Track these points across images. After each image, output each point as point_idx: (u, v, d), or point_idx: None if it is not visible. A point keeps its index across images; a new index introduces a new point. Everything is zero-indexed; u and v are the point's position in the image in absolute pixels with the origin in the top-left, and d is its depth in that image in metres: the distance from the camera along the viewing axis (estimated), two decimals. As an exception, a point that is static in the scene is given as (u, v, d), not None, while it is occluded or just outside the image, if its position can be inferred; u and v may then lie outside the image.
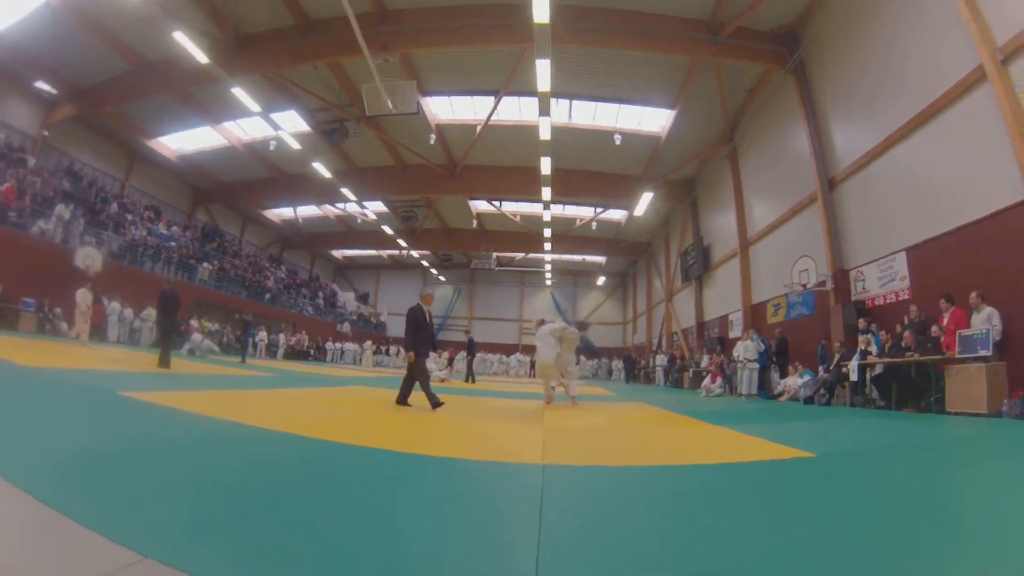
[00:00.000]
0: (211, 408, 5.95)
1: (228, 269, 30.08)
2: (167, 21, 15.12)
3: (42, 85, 21.77)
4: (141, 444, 3.91)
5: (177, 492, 2.68)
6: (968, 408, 8.28)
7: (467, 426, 6.72)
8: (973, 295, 8.92)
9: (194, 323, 22.67)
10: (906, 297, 11.74)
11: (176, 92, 22.33)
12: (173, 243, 25.87)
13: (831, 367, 12.86)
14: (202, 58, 16.29)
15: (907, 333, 10.29)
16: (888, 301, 12.47)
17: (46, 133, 23.23)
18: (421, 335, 8.12)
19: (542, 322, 10.58)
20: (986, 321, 8.57)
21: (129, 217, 24.10)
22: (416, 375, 8.03)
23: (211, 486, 2.84)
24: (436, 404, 7.64)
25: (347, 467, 3.69)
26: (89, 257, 17.61)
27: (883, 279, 12.63)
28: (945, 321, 9.46)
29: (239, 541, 2.05)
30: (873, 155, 13.03)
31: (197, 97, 23.46)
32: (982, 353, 8.26)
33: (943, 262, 10.65)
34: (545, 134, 19.06)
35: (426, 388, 7.87)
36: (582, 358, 41.81)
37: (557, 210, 32.84)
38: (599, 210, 33.81)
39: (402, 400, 8.04)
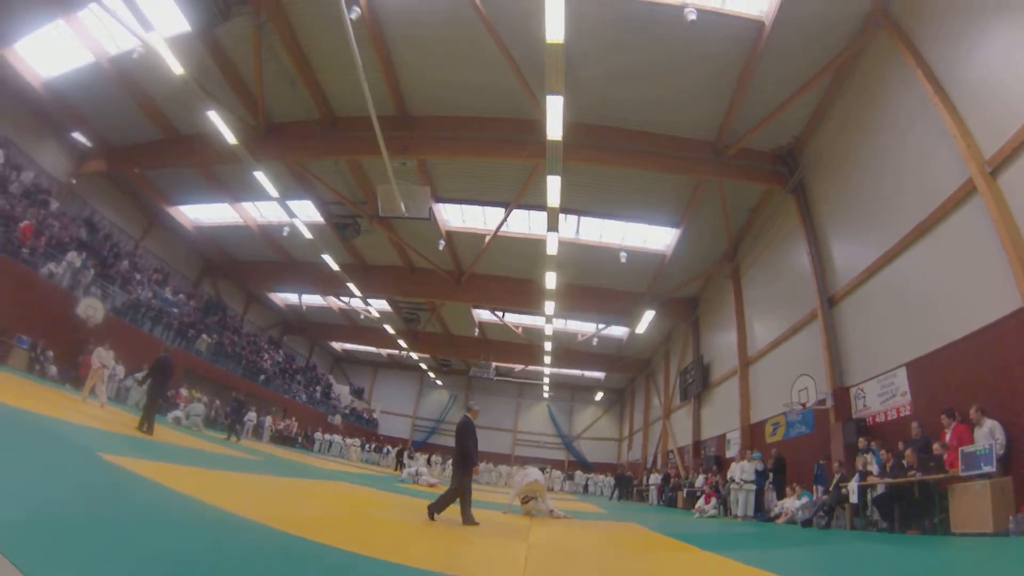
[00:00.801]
0: (191, 486, 5.77)
1: (226, 344, 29.87)
2: (204, 99, 15.95)
3: (78, 136, 22.67)
4: (110, 512, 3.77)
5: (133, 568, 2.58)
6: (974, 528, 7.86)
7: (447, 535, 6.45)
8: (973, 409, 8.71)
9: (184, 392, 22.25)
10: (908, 413, 11.48)
11: (201, 166, 23.18)
12: (176, 310, 25.88)
13: (830, 488, 12.41)
14: (231, 139, 17.06)
15: (909, 451, 9.97)
16: (889, 418, 12.19)
17: (74, 181, 23.92)
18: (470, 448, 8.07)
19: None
20: (988, 436, 8.32)
21: (138, 276, 24.30)
22: (463, 491, 7.80)
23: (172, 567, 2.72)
24: (471, 522, 7.48)
25: (308, 567, 3.54)
26: (92, 308, 17.57)
27: (884, 395, 12.43)
28: (947, 437, 9.18)
29: None
30: (871, 271, 13.20)
31: (220, 174, 24.30)
32: (986, 470, 7.95)
33: (944, 376, 10.49)
34: (552, 249, 19.38)
35: (467, 506, 7.68)
36: (577, 472, 40.76)
37: (559, 324, 33.05)
38: (601, 327, 34.00)
39: (436, 513, 7.60)
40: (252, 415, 25.47)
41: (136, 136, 22.50)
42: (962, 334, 10.04)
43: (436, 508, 7.60)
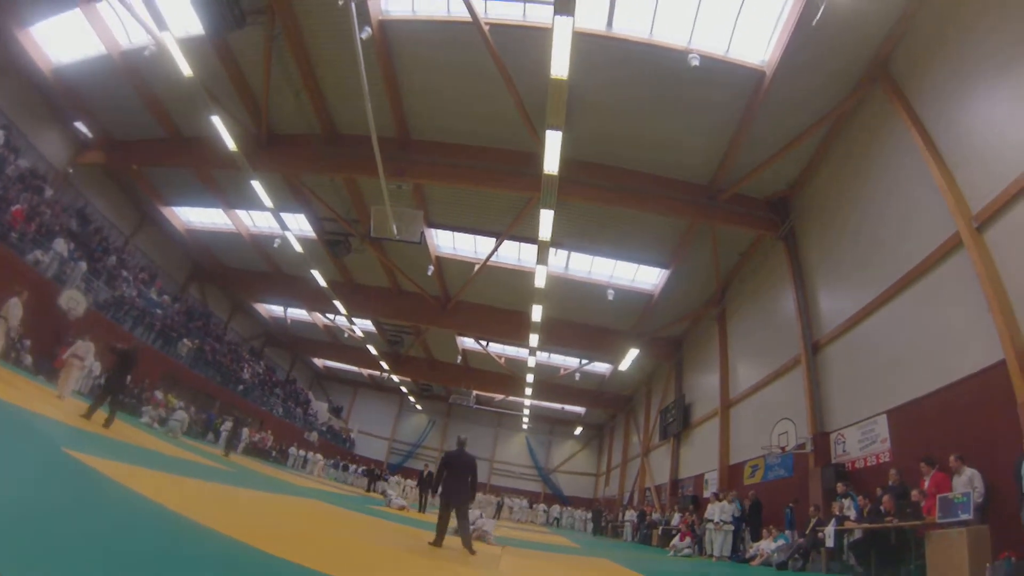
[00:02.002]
0: (157, 491, 5.67)
1: (207, 351, 29.50)
2: (209, 103, 16.02)
3: (80, 126, 22.59)
4: (69, 510, 3.72)
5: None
6: (950, 575, 7.97)
7: (416, 561, 6.43)
8: (952, 458, 8.83)
9: (159, 395, 21.86)
10: (887, 460, 11.59)
11: (199, 169, 23.19)
12: (160, 311, 25.56)
13: (807, 531, 12.46)
14: (232, 145, 17.12)
15: (886, 497, 10.07)
16: (869, 464, 12.28)
17: (70, 171, 23.71)
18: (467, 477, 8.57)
19: None
20: (968, 484, 8.43)
21: (124, 273, 23.99)
22: (462, 519, 8.30)
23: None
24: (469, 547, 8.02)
25: None
26: (74, 300, 17.21)
27: (864, 441, 12.55)
28: (926, 485, 9.30)
29: None
30: (857, 319, 13.43)
31: (217, 179, 24.26)
32: (963, 517, 8.04)
33: (924, 424, 10.63)
34: (540, 282, 19.44)
35: (466, 533, 8.24)
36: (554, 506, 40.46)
37: (543, 357, 33.13)
38: (584, 362, 34.00)
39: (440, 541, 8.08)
40: (228, 424, 25.10)
41: (138, 132, 22.50)
42: (943, 383, 10.23)
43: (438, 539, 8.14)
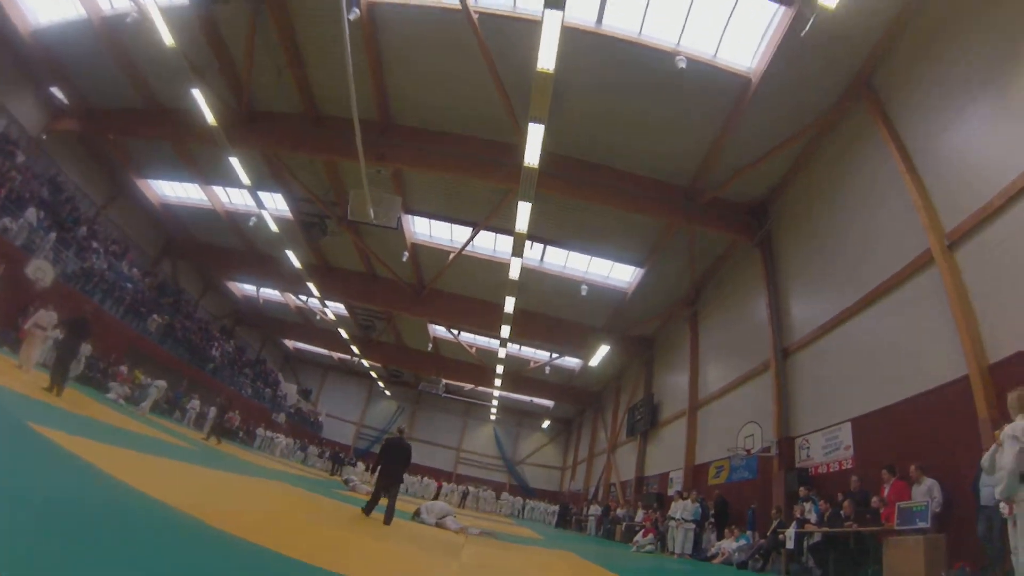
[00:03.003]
0: (122, 469, 5.53)
1: (177, 327, 29.00)
2: (190, 76, 15.62)
3: (56, 92, 21.97)
4: (37, 492, 3.63)
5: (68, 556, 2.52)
6: (905, 580, 8.19)
7: (381, 546, 6.45)
8: (913, 467, 9.07)
9: (123, 370, 21.43)
10: (849, 466, 11.84)
11: (176, 142, 22.73)
12: (130, 285, 25.04)
13: (768, 533, 12.69)
14: (211, 120, 16.73)
15: (847, 502, 10.31)
16: (831, 470, 12.54)
17: (44, 137, 23.10)
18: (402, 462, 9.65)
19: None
20: (926, 493, 8.66)
21: (95, 245, 23.44)
22: (392, 497, 9.41)
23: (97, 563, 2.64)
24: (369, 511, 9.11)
25: (243, 567, 3.51)
26: (41, 270, 16.76)
27: (828, 448, 12.80)
28: (886, 492, 9.54)
29: None
30: (826, 328, 13.67)
31: (194, 153, 23.83)
32: (921, 525, 8.27)
33: (887, 433, 10.88)
34: (515, 274, 19.46)
35: (375, 502, 9.34)
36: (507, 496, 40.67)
37: (513, 349, 33.26)
38: (554, 356, 34.18)
39: (370, 511, 9.15)
40: (195, 403, 24.70)
41: (115, 101, 21.97)
42: (907, 395, 10.49)
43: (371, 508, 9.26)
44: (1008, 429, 5.43)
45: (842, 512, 10.33)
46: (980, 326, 8.95)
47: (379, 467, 9.59)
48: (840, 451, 12.37)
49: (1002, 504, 5.56)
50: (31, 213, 18.57)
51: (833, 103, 14.15)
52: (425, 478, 38.58)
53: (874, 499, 9.78)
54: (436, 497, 33.01)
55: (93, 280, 21.78)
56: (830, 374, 13.41)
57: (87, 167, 26.48)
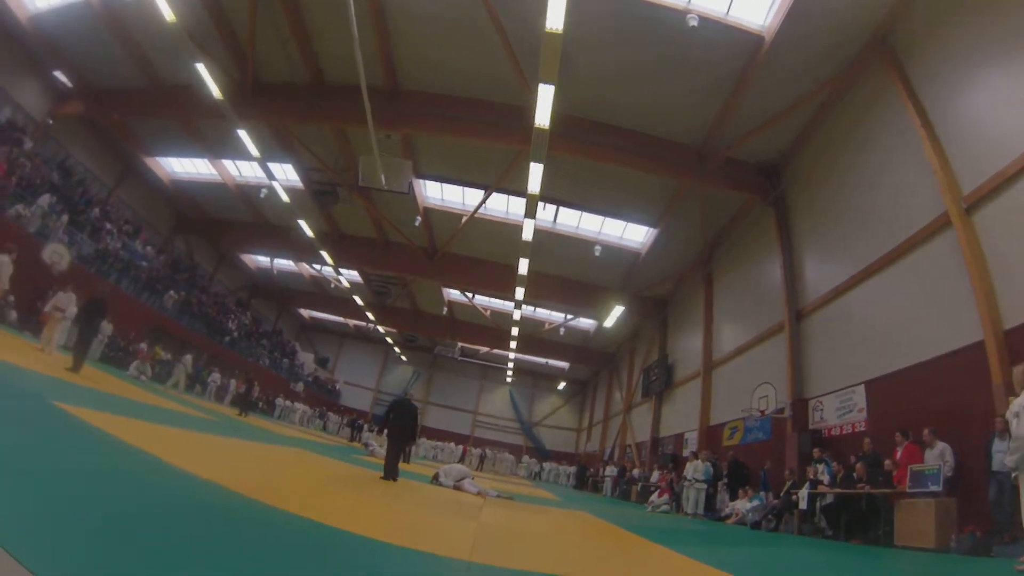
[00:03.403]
0: (149, 442, 5.69)
1: (193, 303, 29.40)
2: (193, 51, 15.43)
3: (59, 75, 21.94)
4: (67, 467, 3.72)
5: (94, 523, 2.59)
6: (916, 542, 8.21)
7: (401, 509, 6.56)
8: (926, 431, 9.08)
9: (143, 347, 21.80)
10: (862, 429, 11.88)
11: (183, 119, 22.70)
12: (145, 263, 25.35)
13: (781, 493, 12.79)
14: (217, 94, 16.61)
15: (859, 465, 10.36)
16: (844, 432, 12.60)
17: (50, 122, 23.18)
18: (407, 422, 10.37)
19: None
20: (939, 457, 8.68)
21: (108, 226, 23.66)
22: (395, 454, 10.15)
23: (127, 529, 2.71)
24: (391, 477, 9.66)
25: (267, 531, 3.58)
26: (57, 254, 16.96)
27: (841, 410, 12.83)
28: (899, 455, 9.57)
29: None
30: (841, 290, 13.57)
31: (201, 129, 23.80)
32: (932, 488, 8.31)
33: (900, 397, 10.89)
34: (528, 236, 19.27)
35: (394, 464, 9.92)
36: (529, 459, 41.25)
37: (528, 311, 33.26)
38: (569, 317, 34.23)
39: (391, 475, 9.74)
40: (216, 376, 25.09)
41: (119, 81, 21.84)
42: (922, 359, 10.46)
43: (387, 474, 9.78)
44: (1014, 406, 5.41)
45: (855, 474, 10.38)
46: (996, 291, 8.85)
47: (388, 426, 10.41)
48: (853, 413, 12.39)
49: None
50: (45, 199, 18.71)
51: (849, 62, 13.75)
52: (451, 444, 39.22)
53: (887, 462, 9.80)
54: (461, 461, 33.76)
55: (109, 260, 22.03)
56: (844, 336, 13.36)
57: (95, 149, 26.57)
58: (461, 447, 38.72)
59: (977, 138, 9.88)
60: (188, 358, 19.96)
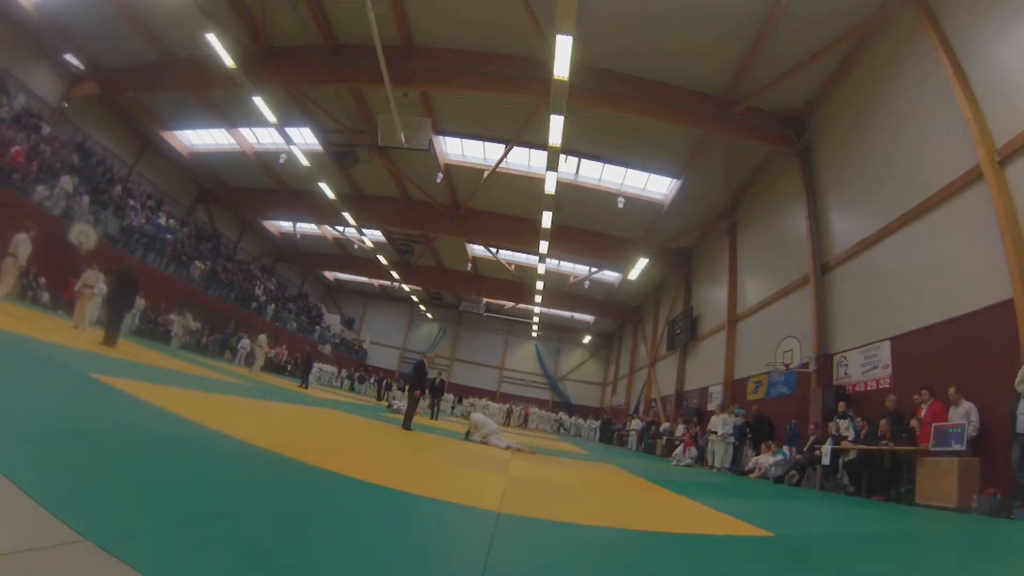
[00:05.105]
0: (186, 408, 5.88)
1: (219, 271, 29.93)
2: (202, 21, 15.32)
3: (70, 58, 22.01)
4: (107, 432, 3.87)
5: (134, 485, 2.68)
6: (937, 501, 8.21)
7: (432, 464, 6.70)
8: (952, 390, 8.96)
9: (174, 317, 22.31)
10: (887, 386, 11.77)
11: (197, 91, 22.69)
12: (169, 236, 25.77)
13: (804, 448, 12.80)
14: (229, 63, 16.53)
15: (883, 421, 10.28)
16: (869, 388, 12.49)
17: (65, 105, 23.40)
18: (422, 381, 12.38)
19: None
20: (964, 416, 8.58)
21: (131, 202, 24.07)
22: (412, 407, 11.90)
23: (166, 485, 2.82)
24: (407, 426, 11.39)
25: (302, 487, 3.67)
26: (84, 234, 17.33)
27: (866, 366, 12.69)
28: (923, 413, 9.48)
29: (180, 540, 2.03)
30: (867, 244, 13.26)
31: (216, 99, 23.83)
32: (956, 448, 8.25)
33: (926, 354, 10.72)
34: (550, 188, 19.20)
35: (410, 416, 11.68)
36: (562, 414, 41.73)
37: (552, 265, 33.13)
38: (593, 270, 34.19)
39: (408, 425, 11.46)
40: (245, 342, 25.62)
41: (130, 59, 21.88)
42: (948, 316, 10.24)
43: (406, 423, 11.53)
44: None
45: (879, 431, 10.32)
46: (1028, 249, 8.55)
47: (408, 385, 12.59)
48: (878, 370, 12.25)
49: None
50: (66, 180, 18.94)
51: (877, 6, 13.08)
52: (490, 403, 39.98)
53: (912, 420, 9.71)
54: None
55: (134, 236, 22.39)
56: (870, 291, 13.10)
57: (113, 128, 26.85)
58: (507, 406, 39.65)
59: (1012, 88, 9.38)
60: (188, 315, 20.31)
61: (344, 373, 38.31)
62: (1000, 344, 8.71)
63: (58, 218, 17.88)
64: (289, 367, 32.15)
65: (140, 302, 18.84)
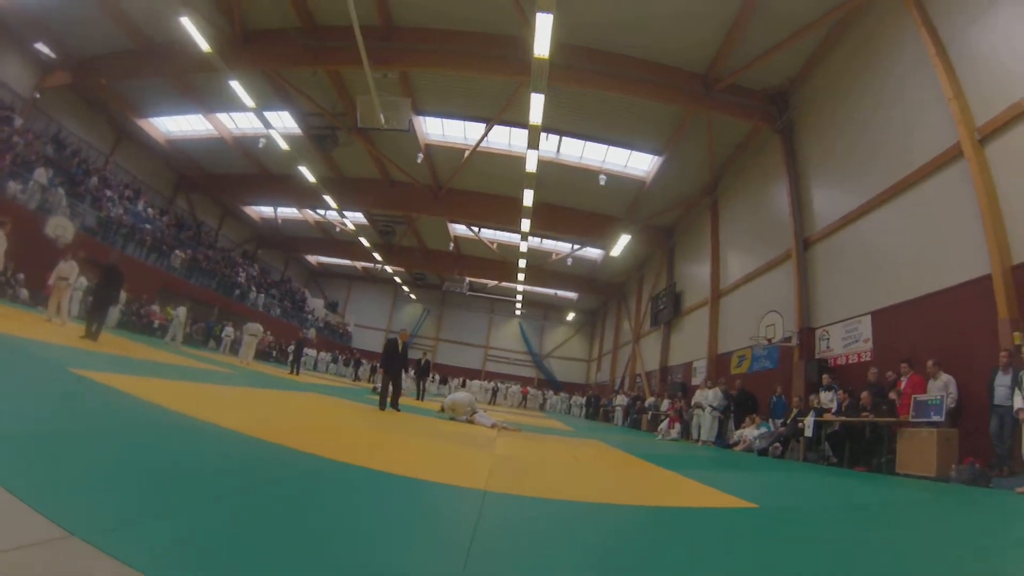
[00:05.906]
0: (170, 399, 5.80)
1: (201, 260, 29.63)
2: (176, 5, 15.04)
3: (42, 47, 21.44)
4: (90, 425, 3.86)
5: (118, 478, 2.69)
6: (917, 471, 8.48)
7: (417, 444, 6.75)
8: (930, 363, 9.22)
9: (156, 308, 22.11)
10: (868, 359, 12.06)
11: (173, 76, 22.25)
12: (149, 225, 25.42)
13: (787, 421, 13.07)
14: (205, 47, 16.22)
15: (864, 393, 10.55)
16: (850, 361, 12.79)
17: (38, 96, 22.87)
18: (393, 359, 11.79)
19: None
20: (942, 388, 8.85)
21: (108, 193, 23.64)
22: (385, 386, 11.62)
23: (153, 476, 2.83)
24: (382, 406, 11.21)
25: (287, 472, 3.69)
26: (60, 227, 16.97)
27: (847, 340, 12.97)
28: (903, 385, 9.74)
29: (170, 532, 2.05)
30: (848, 220, 13.48)
31: (193, 84, 23.40)
32: (935, 419, 8.51)
33: (906, 328, 11.01)
34: (531, 167, 19.17)
35: (384, 396, 11.48)
36: (549, 392, 41.98)
37: (534, 243, 33.15)
38: (576, 247, 34.26)
39: (383, 406, 11.23)
40: (229, 330, 25.45)
41: (103, 46, 21.37)
42: (928, 291, 10.53)
43: (382, 404, 11.34)
44: None
45: (860, 403, 10.57)
46: (1006, 225, 8.78)
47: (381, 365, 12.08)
48: (859, 343, 12.53)
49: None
50: (39, 173, 18.54)
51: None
52: (482, 382, 40.27)
53: (892, 394, 9.96)
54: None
55: (113, 227, 22.05)
56: (851, 266, 13.36)
57: (87, 118, 26.28)
58: (492, 383, 39.78)
59: (993, 68, 9.55)
60: (182, 310, 20.09)
61: (329, 357, 38.21)
62: (977, 318, 8.97)
63: (34, 212, 17.55)
64: (274, 353, 32.01)
65: (122, 295, 18.57)
